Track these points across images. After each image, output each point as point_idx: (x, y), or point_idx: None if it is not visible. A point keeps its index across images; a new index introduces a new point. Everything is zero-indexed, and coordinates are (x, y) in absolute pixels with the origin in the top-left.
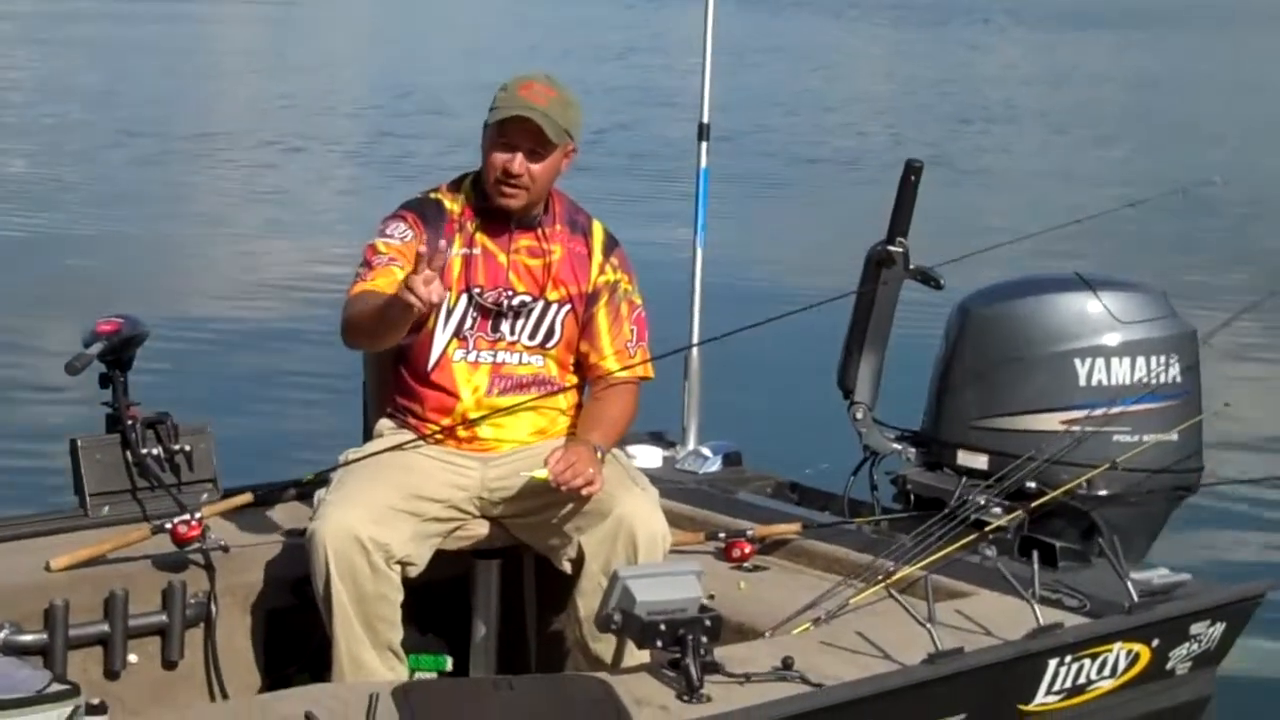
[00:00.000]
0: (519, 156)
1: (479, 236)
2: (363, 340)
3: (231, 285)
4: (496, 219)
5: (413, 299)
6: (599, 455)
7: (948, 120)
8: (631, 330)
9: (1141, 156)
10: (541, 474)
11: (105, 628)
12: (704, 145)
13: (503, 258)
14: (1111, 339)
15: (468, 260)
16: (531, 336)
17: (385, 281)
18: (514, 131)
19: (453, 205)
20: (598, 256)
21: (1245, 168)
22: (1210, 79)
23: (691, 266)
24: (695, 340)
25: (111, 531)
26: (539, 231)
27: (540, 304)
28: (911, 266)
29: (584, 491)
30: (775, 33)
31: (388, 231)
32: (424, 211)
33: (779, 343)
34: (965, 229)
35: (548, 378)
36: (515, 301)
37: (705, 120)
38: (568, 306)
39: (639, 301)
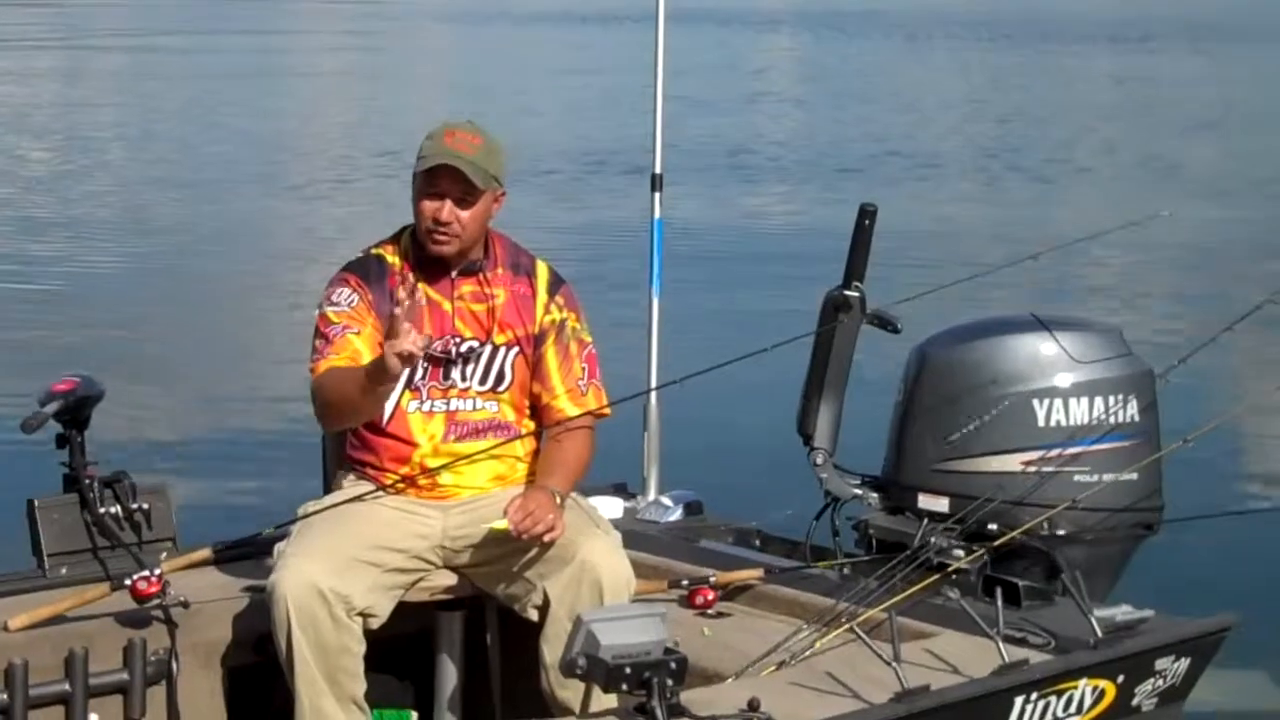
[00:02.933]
0: (447, 204)
1: (422, 287)
2: (345, 419)
3: (187, 341)
4: (437, 268)
5: (394, 360)
6: (558, 500)
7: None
8: (583, 368)
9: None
10: (501, 525)
11: (66, 687)
12: (657, 196)
13: (447, 305)
14: (1068, 379)
15: None
16: (483, 381)
17: (347, 355)
18: (442, 180)
19: (393, 259)
20: (542, 296)
21: None
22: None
23: (648, 315)
24: (653, 389)
25: (70, 590)
26: (481, 276)
27: (488, 348)
28: (868, 310)
29: (545, 538)
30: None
31: (334, 299)
32: (365, 271)
33: (739, 391)
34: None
35: (503, 422)
36: (464, 348)
37: (658, 171)
38: (516, 349)
39: (589, 339)
